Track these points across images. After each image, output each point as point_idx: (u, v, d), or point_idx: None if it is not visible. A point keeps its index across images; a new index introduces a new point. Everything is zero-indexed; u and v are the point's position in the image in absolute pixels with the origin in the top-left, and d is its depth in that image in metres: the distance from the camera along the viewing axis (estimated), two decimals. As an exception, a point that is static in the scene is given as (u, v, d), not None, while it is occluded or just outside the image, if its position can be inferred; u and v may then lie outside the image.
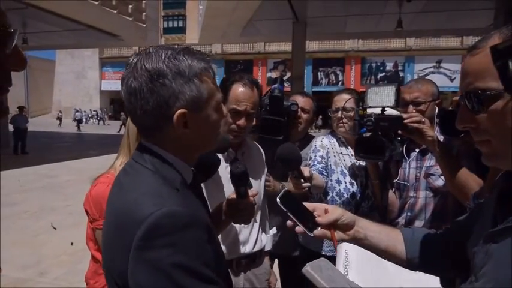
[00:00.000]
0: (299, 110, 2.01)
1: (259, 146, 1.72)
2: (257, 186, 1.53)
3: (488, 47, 0.60)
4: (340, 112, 1.85)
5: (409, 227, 1.05)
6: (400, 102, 1.59)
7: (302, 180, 1.35)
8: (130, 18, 13.37)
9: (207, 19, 9.75)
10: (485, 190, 1.26)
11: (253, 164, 1.55)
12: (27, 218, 5.44)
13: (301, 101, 2.06)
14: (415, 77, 25.40)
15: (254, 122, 1.85)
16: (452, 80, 25.01)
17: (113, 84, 32.37)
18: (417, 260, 0.94)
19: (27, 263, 3.84)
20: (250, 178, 1.21)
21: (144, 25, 14.31)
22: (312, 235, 0.91)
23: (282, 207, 0.92)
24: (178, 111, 0.77)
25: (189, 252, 0.69)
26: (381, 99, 1.47)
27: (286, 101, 1.91)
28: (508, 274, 0.59)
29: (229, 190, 1.47)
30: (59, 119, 27.57)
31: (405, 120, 1.43)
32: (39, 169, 9.59)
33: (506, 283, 0.59)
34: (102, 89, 33.68)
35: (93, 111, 31.31)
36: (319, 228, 0.93)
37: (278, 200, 0.92)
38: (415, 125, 1.42)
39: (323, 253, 1.85)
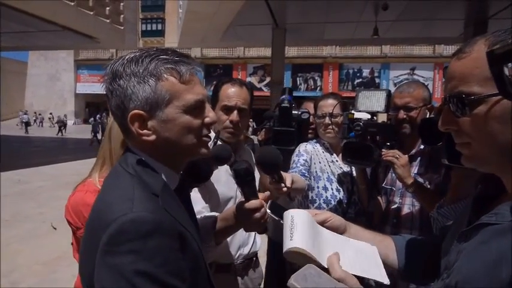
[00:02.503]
0: (311, 117, 2.04)
1: (251, 151, 1.74)
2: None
3: (474, 52, 0.62)
4: (327, 118, 1.85)
5: (400, 235, 1.06)
6: (392, 107, 1.61)
7: (282, 184, 1.37)
8: (108, 20, 13.13)
9: (187, 23, 9.67)
10: (448, 200, 1.29)
11: None
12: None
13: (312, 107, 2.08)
14: (390, 83, 26.12)
15: (264, 135, 1.89)
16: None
17: (89, 87, 31.46)
18: (409, 269, 0.94)
19: (-1, 273, 3.67)
20: None
21: (122, 27, 14.07)
22: None
23: (273, 216, 0.92)
24: (131, 112, 0.77)
25: (153, 260, 0.67)
26: (371, 104, 1.49)
27: (296, 110, 1.95)
28: (472, 267, 0.62)
29: (229, 193, 1.49)
30: (25, 123, 25.72)
31: (382, 154, 1.53)
32: (11, 175, 9.20)
33: (470, 276, 0.62)
34: (77, 92, 32.69)
35: (64, 115, 29.30)
36: None
37: (268, 210, 0.93)
38: (389, 158, 1.52)
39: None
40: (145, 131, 0.78)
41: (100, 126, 18.05)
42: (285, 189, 1.26)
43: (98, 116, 20.51)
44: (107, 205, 0.74)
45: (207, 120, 0.85)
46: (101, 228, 0.69)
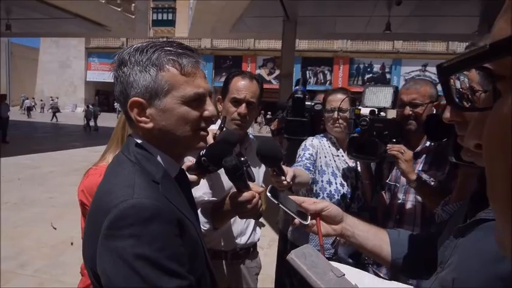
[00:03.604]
0: None
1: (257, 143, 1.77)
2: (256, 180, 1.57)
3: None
4: (336, 112, 1.85)
5: (395, 229, 1.08)
6: (398, 103, 1.61)
7: (283, 178, 1.38)
8: (119, 9, 13.13)
9: (197, 13, 9.66)
10: (454, 198, 1.29)
11: (253, 160, 1.59)
12: (5, 209, 5.32)
13: None
14: (401, 79, 25.82)
15: (276, 125, 1.91)
16: (436, 84, 25.42)
17: (99, 75, 31.69)
18: (401, 262, 0.97)
19: (7, 254, 3.75)
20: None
21: (133, 16, 14.06)
22: (306, 223, 0.94)
23: (273, 200, 0.94)
24: (131, 99, 0.80)
25: (153, 245, 0.69)
26: (378, 100, 1.49)
27: (310, 101, 1.96)
28: (469, 264, 0.63)
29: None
30: (27, 108, 26.04)
31: (387, 147, 1.52)
32: (21, 159, 9.37)
33: (467, 272, 0.63)
34: (87, 79, 32.96)
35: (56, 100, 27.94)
36: (309, 218, 0.96)
37: (268, 194, 0.94)
38: (394, 152, 1.52)
39: None
40: (143, 118, 0.81)
41: (92, 113, 19.21)
42: (285, 182, 1.27)
43: (91, 104, 20.99)
44: (109, 191, 0.77)
45: (205, 113, 0.86)
46: (103, 214, 0.72)
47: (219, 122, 1.52)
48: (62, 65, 33.27)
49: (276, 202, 0.94)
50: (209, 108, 0.87)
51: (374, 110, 1.53)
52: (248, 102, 1.53)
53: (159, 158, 0.84)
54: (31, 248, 4.02)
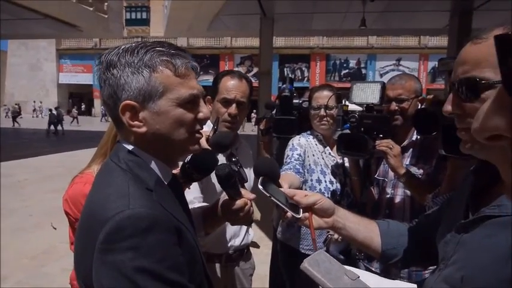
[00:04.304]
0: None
1: (247, 144, 1.76)
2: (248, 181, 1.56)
3: (491, 39, 0.59)
4: (322, 110, 1.84)
5: (384, 220, 1.10)
6: (384, 99, 1.63)
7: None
8: (91, 8, 12.75)
9: (173, 12, 9.51)
10: (443, 190, 1.32)
11: (245, 160, 1.58)
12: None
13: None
14: (376, 74, 26.38)
15: (265, 124, 1.91)
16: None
17: (72, 77, 30.79)
18: (390, 252, 0.98)
19: (-15, 267, 3.59)
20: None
21: (106, 16, 13.71)
22: (299, 216, 0.94)
23: (265, 192, 0.93)
24: (123, 102, 0.76)
25: (152, 256, 0.67)
26: (366, 96, 1.50)
27: (297, 99, 1.97)
28: (479, 262, 0.62)
29: None
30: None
31: (376, 144, 1.55)
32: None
33: (477, 270, 0.62)
34: (59, 82, 31.91)
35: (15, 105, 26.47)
36: (301, 211, 0.96)
37: (260, 186, 0.93)
38: (382, 148, 1.54)
39: (302, 251, 1.87)
40: (136, 122, 0.77)
41: (56, 118, 18.52)
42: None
43: (54, 108, 20.13)
44: (102, 202, 0.73)
45: (200, 115, 0.84)
46: (97, 226, 0.69)
47: (208, 122, 1.49)
48: (33, 67, 32.10)
49: (267, 195, 0.92)
50: (203, 110, 0.84)
51: (372, 106, 1.54)
52: (238, 102, 1.51)
53: (153, 164, 0.81)
54: (11, 260, 3.85)
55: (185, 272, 0.73)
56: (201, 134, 0.87)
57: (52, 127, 18.25)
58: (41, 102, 27.58)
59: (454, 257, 0.69)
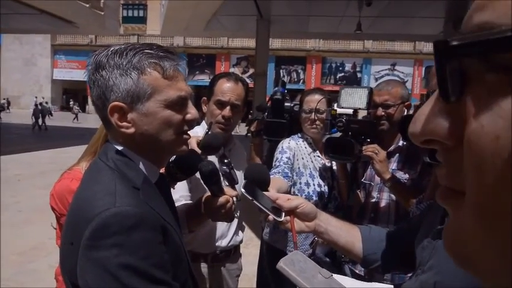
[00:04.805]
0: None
1: (241, 145, 1.77)
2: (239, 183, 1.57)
3: None
4: (313, 114, 1.85)
5: (367, 225, 1.12)
6: (371, 104, 1.65)
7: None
8: (87, 5, 12.68)
9: (170, 11, 9.51)
10: (428, 196, 1.35)
11: (238, 161, 1.60)
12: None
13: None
14: (372, 78, 26.52)
15: (256, 127, 1.93)
16: (404, 82, 26.36)
17: (66, 73, 30.52)
18: (371, 257, 0.99)
19: (-28, 263, 3.57)
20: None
21: (102, 13, 13.64)
22: (280, 219, 0.95)
23: (247, 196, 0.94)
24: (112, 104, 0.78)
25: (137, 253, 0.68)
26: (353, 101, 1.52)
27: (289, 102, 1.98)
28: (451, 268, 0.64)
29: None
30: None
31: (363, 149, 1.57)
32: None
33: (449, 276, 0.64)
34: (54, 77, 31.64)
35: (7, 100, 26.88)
36: (284, 214, 0.97)
37: (242, 189, 0.94)
38: (368, 153, 1.57)
39: (288, 252, 1.89)
40: (124, 123, 0.79)
41: (41, 112, 18.22)
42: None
43: (39, 102, 19.82)
44: (89, 199, 0.75)
45: (188, 116, 0.85)
46: (83, 223, 0.70)
47: (203, 123, 1.51)
48: (27, 62, 31.77)
49: (250, 198, 0.94)
50: (191, 111, 0.86)
51: (356, 111, 1.57)
52: (233, 104, 1.52)
53: (141, 165, 0.83)
54: (-2, 256, 3.83)
55: (170, 270, 0.74)
56: (188, 135, 0.88)
57: (39, 121, 17.95)
58: (43, 98, 27.17)
59: (430, 262, 0.71)
